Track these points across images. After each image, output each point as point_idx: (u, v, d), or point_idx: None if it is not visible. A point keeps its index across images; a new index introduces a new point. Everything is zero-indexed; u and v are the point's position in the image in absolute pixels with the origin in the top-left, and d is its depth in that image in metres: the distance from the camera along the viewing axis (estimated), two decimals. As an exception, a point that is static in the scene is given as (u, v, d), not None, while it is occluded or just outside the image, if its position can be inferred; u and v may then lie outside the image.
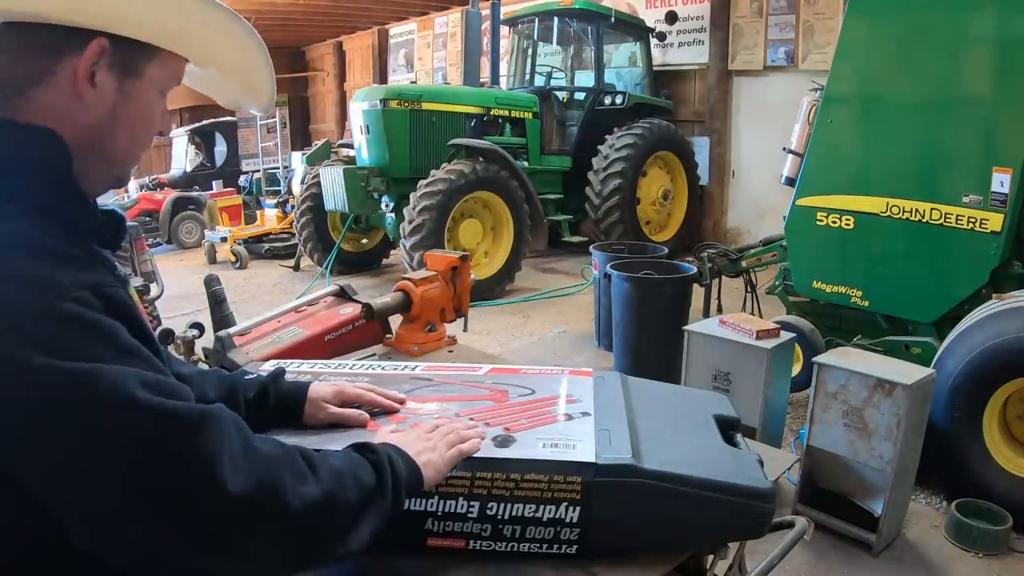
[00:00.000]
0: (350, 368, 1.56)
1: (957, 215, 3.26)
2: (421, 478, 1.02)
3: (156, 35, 0.87)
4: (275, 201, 9.33)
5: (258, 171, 11.34)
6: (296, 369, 1.53)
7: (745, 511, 1.13)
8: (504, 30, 8.43)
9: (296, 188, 8.26)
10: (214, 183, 11.00)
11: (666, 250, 5.58)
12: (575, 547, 1.11)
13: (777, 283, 4.15)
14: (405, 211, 6.20)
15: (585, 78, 8.53)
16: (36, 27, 0.81)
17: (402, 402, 1.30)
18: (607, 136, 7.58)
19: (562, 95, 8.51)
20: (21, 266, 0.74)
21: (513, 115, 7.62)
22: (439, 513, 1.11)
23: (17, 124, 0.82)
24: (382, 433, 1.15)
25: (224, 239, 8.34)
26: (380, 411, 1.29)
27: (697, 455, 1.19)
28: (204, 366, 2.26)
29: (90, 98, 0.85)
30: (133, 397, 0.72)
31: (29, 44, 0.82)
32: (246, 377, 1.26)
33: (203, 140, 12.36)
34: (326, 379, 1.45)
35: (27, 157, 0.81)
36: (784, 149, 4.54)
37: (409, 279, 2.19)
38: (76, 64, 0.83)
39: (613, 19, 7.81)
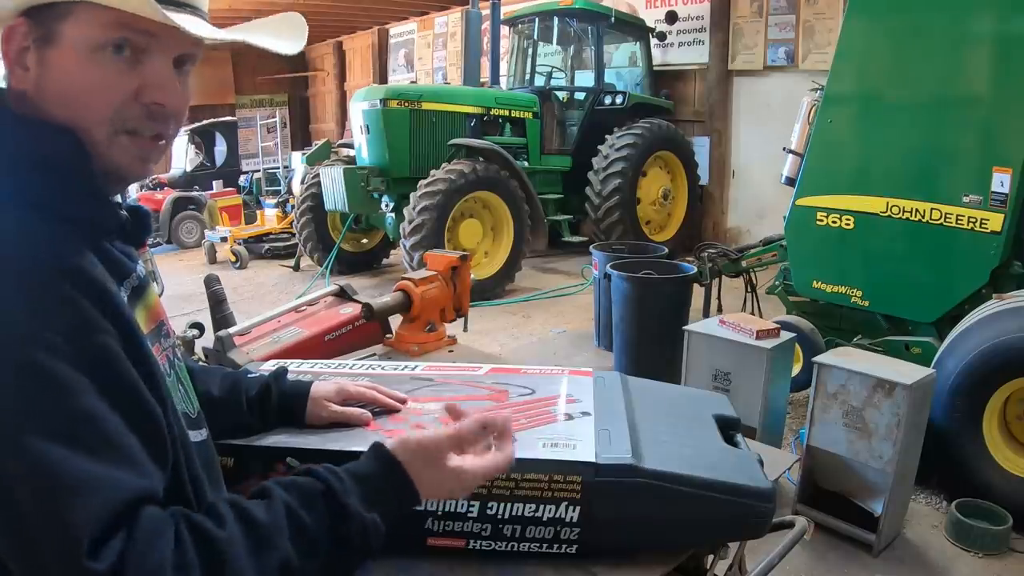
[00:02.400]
0: (350, 368, 1.56)
1: (957, 215, 3.26)
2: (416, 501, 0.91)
3: None
4: (275, 201, 9.33)
5: (258, 171, 11.35)
6: (296, 369, 1.53)
7: (745, 511, 1.13)
8: (504, 30, 8.43)
9: (296, 188, 8.26)
10: (214, 183, 11.01)
11: (666, 250, 5.58)
12: (575, 547, 1.11)
13: (777, 283, 4.15)
14: (405, 211, 6.20)
15: (585, 78, 8.53)
16: None
17: (404, 401, 1.30)
18: (607, 136, 7.58)
19: (562, 95, 8.51)
20: None
21: (513, 115, 7.62)
22: (439, 512, 1.11)
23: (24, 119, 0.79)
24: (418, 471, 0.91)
25: (224, 239, 8.34)
26: (382, 409, 1.29)
27: (697, 455, 1.19)
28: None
29: (21, 80, 0.80)
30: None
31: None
32: (249, 376, 1.25)
33: (203, 140, 12.37)
34: (326, 379, 1.46)
35: (41, 156, 0.78)
36: (784, 149, 4.54)
37: (409, 279, 2.19)
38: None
39: (613, 19, 7.81)
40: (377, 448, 0.91)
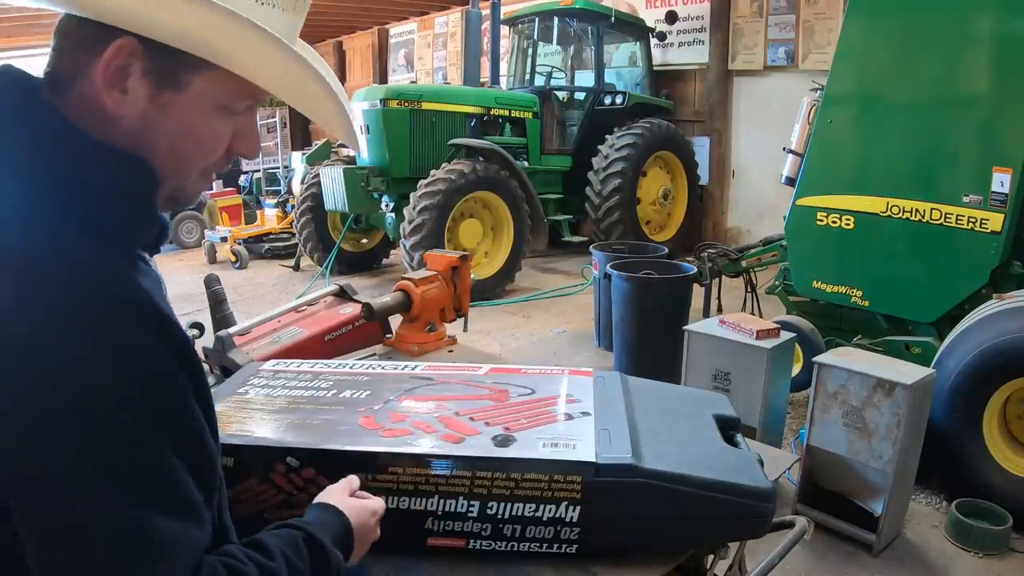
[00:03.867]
0: (350, 368, 1.56)
1: (957, 215, 3.26)
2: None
3: (192, 45, 0.74)
4: (275, 201, 9.33)
5: (258, 171, 11.35)
6: (296, 369, 1.53)
7: (745, 511, 1.14)
8: (504, 30, 8.43)
9: (296, 188, 8.26)
10: (214, 183, 11.00)
11: (666, 250, 5.57)
12: (575, 547, 1.11)
13: (777, 283, 4.15)
14: (405, 211, 6.20)
15: (585, 78, 8.53)
16: (83, 19, 0.75)
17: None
18: (607, 136, 7.58)
19: (562, 95, 8.50)
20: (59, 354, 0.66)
21: (513, 115, 7.62)
22: (439, 512, 1.11)
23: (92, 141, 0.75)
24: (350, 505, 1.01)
25: (224, 239, 8.34)
26: (379, 408, 1.29)
27: (697, 455, 1.19)
28: (204, 366, 2.26)
29: (116, 105, 0.75)
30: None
31: (76, 35, 0.76)
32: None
33: (203, 140, 12.34)
34: (326, 378, 1.46)
35: (113, 183, 0.76)
36: (784, 149, 4.54)
37: (409, 279, 2.19)
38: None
39: (613, 19, 7.81)
40: (325, 504, 0.98)
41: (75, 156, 0.74)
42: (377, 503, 1.04)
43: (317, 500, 0.99)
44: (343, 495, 1.01)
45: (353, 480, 1.05)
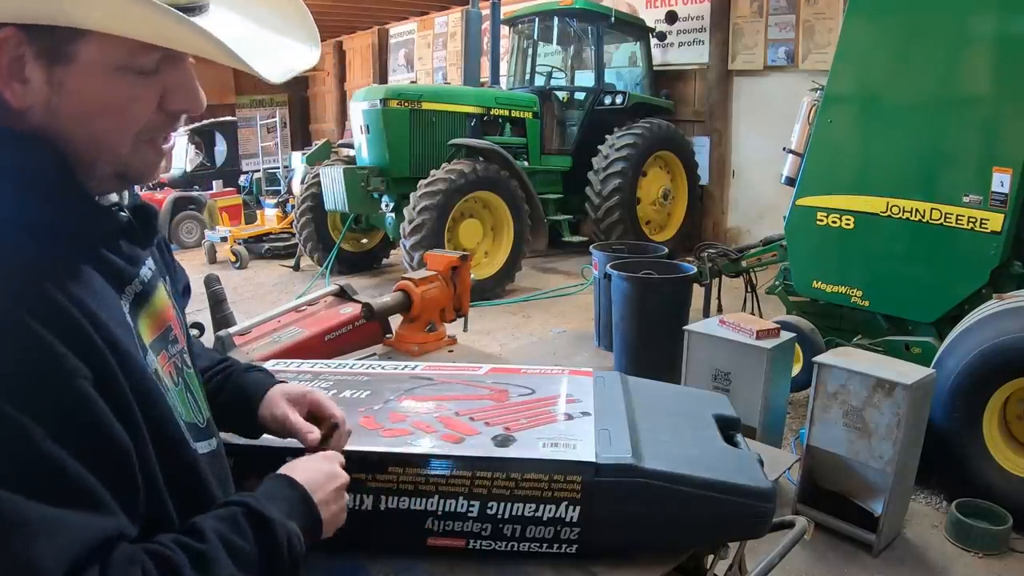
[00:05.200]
0: (350, 368, 1.56)
1: (957, 215, 3.26)
2: (318, 533, 0.92)
3: (47, 17, 0.69)
4: (275, 201, 9.33)
5: (258, 171, 11.36)
6: (296, 369, 1.53)
7: (745, 511, 1.13)
8: (504, 30, 8.43)
9: (296, 188, 8.26)
10: (214, 183, 11.01)
11: (666, 250, 5.58)
12: (575, 547, 1.11)
13: (777, 283, 4.15)
14: (405, 211, 6.20)
15: (585, 78, 8.53)
16: None
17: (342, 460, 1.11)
18: (607, 136, 7.58)
19: (562, 95, 8.50)
20: None
21: (513, 115, 7.62)
22: (439, 512, 1.11)
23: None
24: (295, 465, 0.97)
25: (224, 239, 8.34)
26: (379, 408, 1.29)
27: (697, 455, 1.19)
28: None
29: (20, 97, 0.73)
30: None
31: None
32: (225, 364, 1.18)
33: (203, 140, 12.36)
34: (326, 378, 1.46)
35: (15, 169, 0.73)
36: (784, 149, 4.54)
37: (409, 279, 2.19)
38: None
39: (613, 19, 7.82)
40: (275, 475, 0.93)
41: None
42: (332, 467, 0.97)
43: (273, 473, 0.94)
44: (304, 462, 0.96)
45: (330, 454, 1.00)
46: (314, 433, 1.06)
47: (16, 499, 0.64)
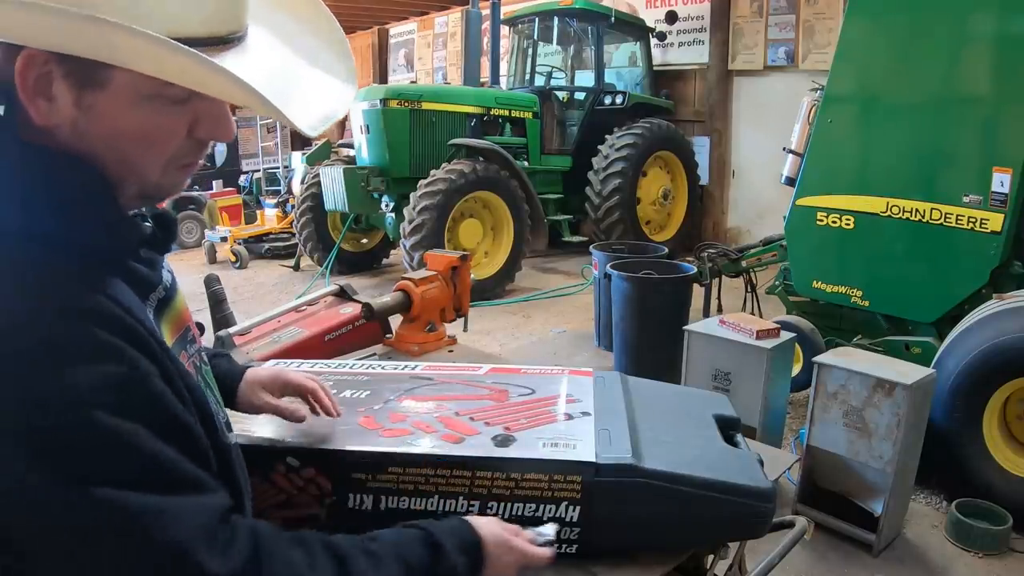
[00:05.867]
0: (350, 368, 1.56)
1: (957, 215, 3.26)
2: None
3: (83, 52, 0.68)
4: (275, 201, 9.32)
5: (258, 171, 11.34)
6: (296, 369, 1.53)
7: (745, 511, 1.13)
8: (504, 30, 8.43)
9: (296, 188, 8.25)
10: (214, 183, 11.00)
11: (666, 250, 5.58)
12: (575, 547, 1.11)
13: (777, 283, 4.15)
14: (405, 211, 6.20)
15: (585, 78, 8.52)
16: None
17: (338, 414, 1.22)
18: (607, 136, 7.58)
19: (562, 95, 8.50)
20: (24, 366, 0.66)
21: (513, 115, 7.61)
22: (439, 512, 1.11)
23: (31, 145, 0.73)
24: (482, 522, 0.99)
25: (224, 239, 8.33)
26: (379, 408, 1.29)
27: (697, 455, 1.19)
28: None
29: (44, 115, 0.73)
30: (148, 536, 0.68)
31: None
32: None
33: (203, 140, 12.35)
34: (326, 378, 1.46)
35: (58, 189, 0.74)
36: (784, 149, 4.54)
37: (409, 279, 2.19)
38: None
39: (613, 19, 7.81)
40: (464, 521, 0.97)
41: (13, 163, 0.73)
42: (520, 542, 0.99)
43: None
44: (494, 523, 0.99)
45: (524, 533, 1.02)
46: (300, 411, 1.16)
47: (144, 497, 0.68)
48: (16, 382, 0.66)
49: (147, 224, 0.86)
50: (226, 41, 0.76)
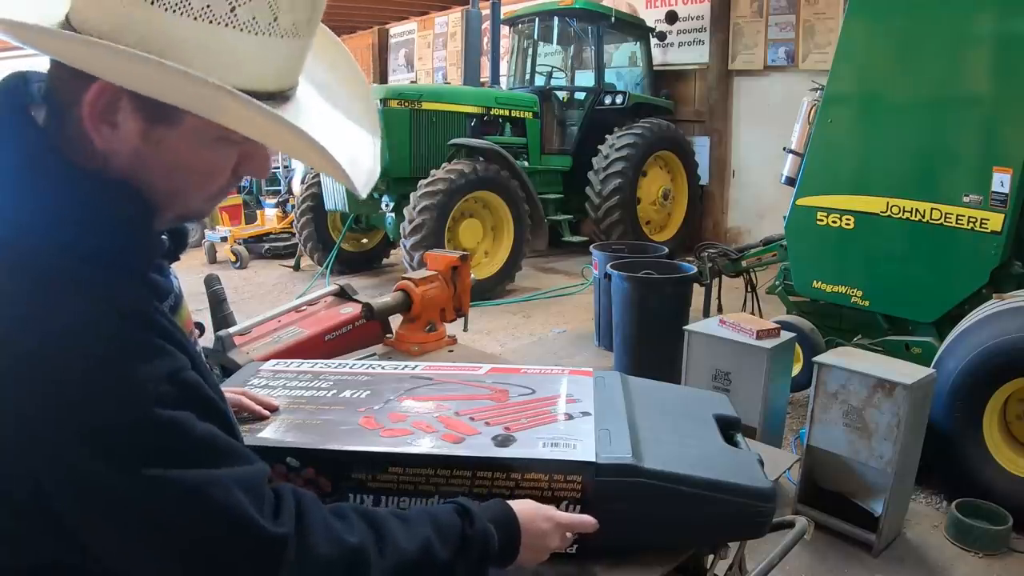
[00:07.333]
0: (350, 368, 1.56)
1: (957, 215, 3.26)
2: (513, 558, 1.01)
3: (172, 101, 0.72)
4: (275, 201, 9.30)
5: (258, 171, 11.31)
6: (296, 369, 1.53)
7: (745, 511, 1.14)
8: (504, 30, 8.43)
9: (296, 188, 8.24)
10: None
11: (666, 250, 5.58)
12: (575, 547, 1.11)
13: (777, 283, 4.15)
14: (405, 211, 6.20)
15: (585, 78, 8.52)
16: None
17: (274, 408, 1.29)
18: (607, 136, 7.58)
19: (562, 95, 8.50)
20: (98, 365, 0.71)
21: (513, 115, 7.61)
22: (439, 513, 1.10)
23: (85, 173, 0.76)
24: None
25: (224, 239, 8.33)
26: (379, 408, 1.29)
27: (697, 455, 1.19)
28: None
29: (106, 140, 0.75)
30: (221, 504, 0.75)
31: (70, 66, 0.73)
32: None
33: (203, 140, 12.34)
34: (326, 378, 1.46)
35: (110, 215, 0.77)
36: (784, 149, 4.54)
37: (409, 279, 2.19)
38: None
39: (613, 19, 7.82)
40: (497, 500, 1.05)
41: (59, 183, 0.75)
42: (561, 513, 1.06)
43: None
44: (531, 504, 1.05)
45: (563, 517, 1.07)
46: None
47: (199, 471, 0.74)
48: (84, 377, 0.69)
49: (163, 238, 0.89)
50: (283, 97, 0.81)
